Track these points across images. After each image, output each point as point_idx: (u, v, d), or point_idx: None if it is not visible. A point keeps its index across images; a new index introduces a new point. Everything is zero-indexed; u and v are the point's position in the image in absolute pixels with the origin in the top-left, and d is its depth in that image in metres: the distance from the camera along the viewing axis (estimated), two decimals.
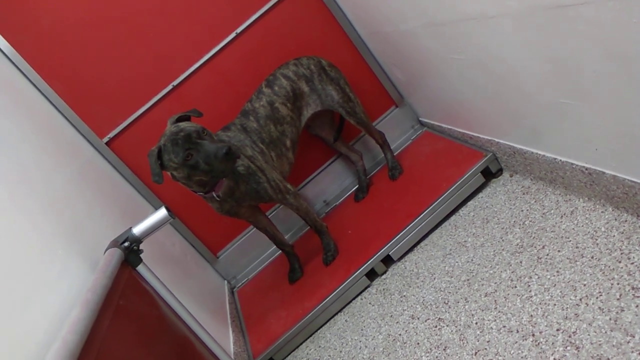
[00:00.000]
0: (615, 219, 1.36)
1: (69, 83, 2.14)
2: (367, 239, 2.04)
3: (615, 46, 1.00)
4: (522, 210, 1.66)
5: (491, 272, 1.54)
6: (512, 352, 1.28)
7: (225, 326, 2.03)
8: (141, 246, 1.49)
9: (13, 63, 2.04)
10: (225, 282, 2.51)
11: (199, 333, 1.51)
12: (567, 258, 1.37)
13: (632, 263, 1.22)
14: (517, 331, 1.31)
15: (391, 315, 1.72)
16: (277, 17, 2.29)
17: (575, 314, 1.22)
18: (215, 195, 1.87)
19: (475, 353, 1.36)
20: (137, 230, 1.47)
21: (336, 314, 1.94)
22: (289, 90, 2.08)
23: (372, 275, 1.94)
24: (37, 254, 1.24)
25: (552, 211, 1.55)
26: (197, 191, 1.86)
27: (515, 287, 1.43)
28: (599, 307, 1.19)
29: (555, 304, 1.29)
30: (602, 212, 1.41)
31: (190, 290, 1.97)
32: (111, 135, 2.21)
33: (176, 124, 1.75)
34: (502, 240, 1.61)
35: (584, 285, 1.27)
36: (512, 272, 1.48)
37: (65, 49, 2.12)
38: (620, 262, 1.25)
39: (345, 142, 2.42)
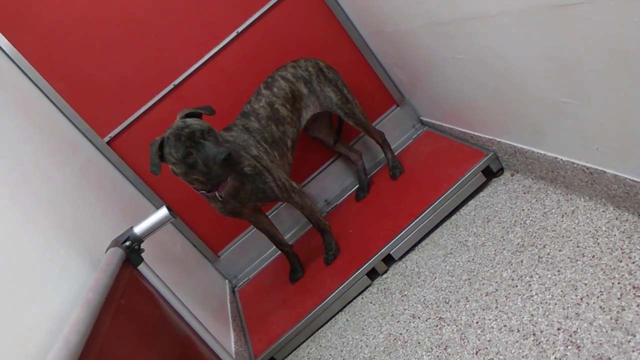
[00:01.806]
0: (616, 218, 1.36)
1: (70, 82, 2.14)
2: (368, 239, 2.04)
3: (616, 45, 1.00)
4: (523, 210, 1.66)
5: (492, 271, 1.54)
6: (513, 351, 1.28)
7: (226, 325, 2.03)
8: (142, 245, 1.49)
9: (14, 62, 2.05)
10: (227, 281, 2.51)
11: (200, 332, 1.51)
12: (568, 257, 1.37)
13: (633, 262, 1.22)
14: (518, 330, 1.31)
15: (392, 315, 1.72)
16: (278, 17, 2.29)
17: (576, 314, 1.22)
18: (218, 195, 1.86)
19: (476, 352, 1.36)
20: (138, 229, 1.47)
21: (337, 313, 1.94)
22: (288, 92, 2.07)
23: (373, 274, 1.94)
24: (38, 254, 1.24)
25: (553, 210, 1.55)
26: (198, 189, 1.85)
27: (516, 286, 1.43)
28: (600, 307, 1.19)
29: (556, 303, 1.29)
30: (603, 211, 1.41)
31: (192, 289, 1.97)
32: (112, 134, 2.21)
33: (184, 119, 1.73)
34: (503, 240, 1.61)
35: (585, 284, 1.27)
36: (513, 272, 1.48)
37: (67, 48, 2.12)
38: (621, 261, 1.25)
39: (345, 142, 2.42)
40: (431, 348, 1.48)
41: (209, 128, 1.72)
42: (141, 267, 1.46)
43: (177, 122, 1.74)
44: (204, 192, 1.86)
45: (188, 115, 1.78)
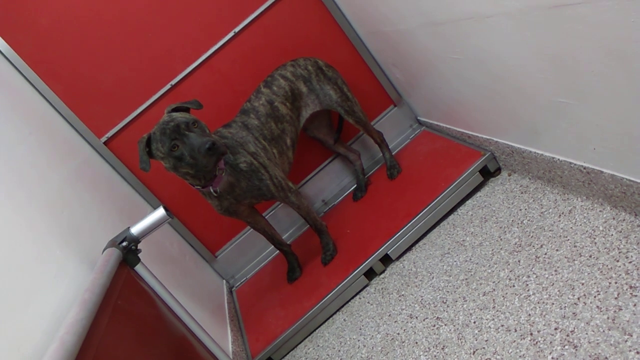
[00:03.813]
0: (613, 218, 1.36)
1: (67, 82, 2.13)
2: (365, 239, 2.04)
3: (613, 45, 1.00)
4: (520, 210, 1.66)
5: (489, 271, 1.55)
6: (510, 351, 1.28)
7: (223, 326, 2.03)
8: (139, 246, 1.49)
9: (11, 62, 2.04)
10: (224, 281, 2.51)
11: (198, 333, 1.51)
12: (565, 257, 1.37)
13: (630, 262, 1.22)
14: (515, 330, 1.31)
15: (389, 315, 1.72)
16: (276, 17, 2.29)
17: (573, 313, 1.23)
18: (212, 191, 1.86)
19: (474, 352, 1.36)
20: (135, 230, 1.47)
21: (335, 313, 1.94)
22: (288, 90, 2.08)
23: (370, 274, 1.94)
24: (35, 255, 1.24)
25: (550, 210, 1.55)
26: (193, 184, 1.85)
27: (514, 286, 1.43)
28: (597, 306, 1.19)
29: (553, 303, 1.29)
30: (600, 211, 1.41)
31: (189, 290, 1.97)
32: (109, 134, 2.21)
33: (170, 114, 1.74)
34: (501, 240, 1.62)
35: (582, 284, 1.27)
36: (510, 271, 1.48)
37: (64, 49, 2.12)
38: (618, 261, 1.25)
39: (344, 142, 2.42)
40: (428, 348, 1.48)
41: (194, 120, 1.72)
42: (138, 268, 1.46)
43: (164, 117, 1.74)
44: (199, 187, 1.85)
45: (175, 110, 1.78)
